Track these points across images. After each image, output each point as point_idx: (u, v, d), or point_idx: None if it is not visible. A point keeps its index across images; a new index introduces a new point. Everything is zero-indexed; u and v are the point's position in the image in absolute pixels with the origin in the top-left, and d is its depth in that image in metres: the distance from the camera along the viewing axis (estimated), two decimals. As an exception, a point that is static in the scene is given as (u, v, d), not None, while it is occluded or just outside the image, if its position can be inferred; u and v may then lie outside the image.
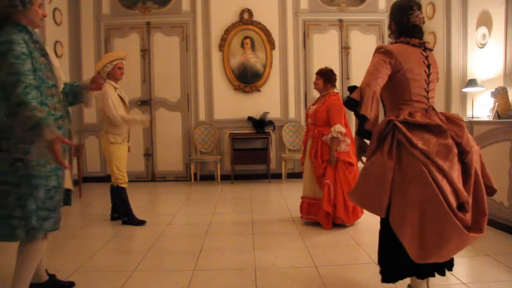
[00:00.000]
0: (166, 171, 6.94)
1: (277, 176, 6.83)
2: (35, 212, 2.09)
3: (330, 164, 3.92)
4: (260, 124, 6.72)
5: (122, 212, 4.22)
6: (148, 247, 3.47)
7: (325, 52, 6.85)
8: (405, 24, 2.21)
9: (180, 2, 6.85)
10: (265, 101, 6.88)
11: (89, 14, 6.84)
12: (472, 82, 4.92)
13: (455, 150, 2.03)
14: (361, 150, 2.28)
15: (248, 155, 6.69)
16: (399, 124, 2.05)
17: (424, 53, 2.21)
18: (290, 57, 6.91)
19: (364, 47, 6.81)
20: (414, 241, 1.93)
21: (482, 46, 5.00)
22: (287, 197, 5.45)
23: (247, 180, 6.82)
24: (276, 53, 6.90)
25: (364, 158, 2.29)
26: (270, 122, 6.75)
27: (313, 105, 4.22)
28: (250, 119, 6.78)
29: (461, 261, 3.04)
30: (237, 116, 6.88)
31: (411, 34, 2.21)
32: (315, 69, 4.40)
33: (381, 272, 2.22)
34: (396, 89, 2.17)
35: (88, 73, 6.87)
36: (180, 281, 2.73)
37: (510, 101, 4.30)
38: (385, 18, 6.93)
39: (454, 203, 1.92)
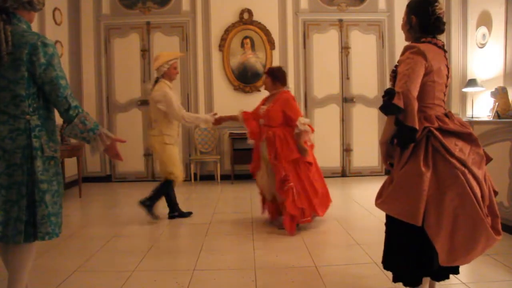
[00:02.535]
0: (166, 171, 6.93)
1: (277, 176, 6.82)
2: (49, 216, 2.08)
3: (304, 156, 3.77)
4: (260, 124, 6.71)
5: (170, 207, 4.37)
6: (148, 247, 3.47)
7: (325, 52, 6.84)
8: (430, 16, 2.12)
9: (180, 2, 6.85)
10: (265, 101, 6.87)
11: (89, 14, 6.83)
12: (472, 82, 4.93)
13: (485, 158, 2.06)
14: (388, 155, 2.19)
15: (248, 155, 6.62)
16: (435, 132, 2.01)
17: (445, 56, 2.17)
18: (290, 57, 6.90)
19: (364, 47, 6.82)
20: (444, 246, 1.95)
21: (482, 46, 5.00)
22: (287, 197, 5.44)
23: (247, 180, 6.81)
24: (276, 53, 6.90)
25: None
26: (270, 122, 6.74)
27: (263, 105, 4.12)
28: (250, 119, 6.77)
29: (461, 261, 3.05)
30: (237, 116, 6.87)
31: (435, 26, 2.14)
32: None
33: (397, 279, 2.19)
34: (421, 92, 2.06)
35: (88, 73, 6.88)
36: (180, 281, 2.73)
37: (510, 101, 4.31)
38: (385, 18, 6.94)
39: (485, 209, 1.96)
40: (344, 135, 6.94)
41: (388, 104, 1.99)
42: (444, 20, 2.17)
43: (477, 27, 5.09)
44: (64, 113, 2.08)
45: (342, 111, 6.90)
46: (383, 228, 2.27)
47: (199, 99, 6.94)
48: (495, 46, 4.74)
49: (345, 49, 6.90)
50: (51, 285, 2.69)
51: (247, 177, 6.87)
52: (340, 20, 6.91)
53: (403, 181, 2.04)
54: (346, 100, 6.82)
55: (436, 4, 2.13)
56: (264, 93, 6.87)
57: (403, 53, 2.14)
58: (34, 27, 2.33)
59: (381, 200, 2.16)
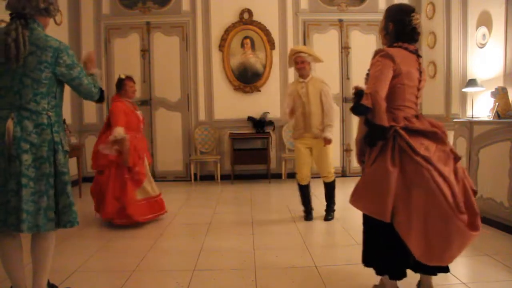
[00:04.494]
0: (166, 171, 6.94)
1: (277, 176, 6.83)
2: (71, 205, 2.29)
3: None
4: (260, 124, 6.72)
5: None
6: (148, 247, 3.47)
7: (325, 52, 6.78)
8: (406, 26, 2.23)
9: (180, 2, 6.85)
10: (265, 101, 6.88)
11: (89, 14, 6.83)
12: (472, 82, 4.92)
13: (452, 156, 2.12)
14: (362, 153, 2.33)
15: (248, 155, 6.69)
16: (401, 131, 2.09)
17: (418, 60, 2.26)
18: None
19: (364, 47, 6.80)
20: (420, 243, 2.00)
21: (482, 46, 5.00)
22: (287, 197, 5.45)
23: (247, 180, 6.82)
24: (276, 53, 6.90)
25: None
26: (270, 122, 6.75)
27: (138, 111, 4.40)
28: (250, 119, 6.78)
29: (461, 261, 3.04)
30: (237, 116, 6.87)
31: (410, 36, 2.25)
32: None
33: (380, 272, 2.26)
34: (391, 94, 2.18)
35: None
36: (180, 281, 2.73)
37: (510, 101, 4.30)
38: (385, 18, 6.93)
39: (454, 205, 1.99)
40: (344, 135, 6.95)
41: (357, 105, 2.11)
42: (419, 30, 2.28)
43: (477, 27, 5.08)
44: (93, 98, 2.42)
45: (342, 111, 6.90)
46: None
47: (199, 99, 6.95)
48: (495, 46, 4.73)
49: (345, 49, 6.90)
50: (51, 285, 2.69)
51: (247, 177, 6.90)
52: (340, 20, 6.91)
53: (371, 179, 2.15)
54: (346, 100, 6.82)
55: (413, 14, 2.23)
56: (264, 93, 6.93)
57: (373, 57, 2.24)
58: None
59: (354, 198, 2.25)
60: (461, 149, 4.63)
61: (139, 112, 4.37)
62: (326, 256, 3.23)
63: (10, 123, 2.11)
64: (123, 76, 4.34)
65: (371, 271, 2.83)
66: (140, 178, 4.14)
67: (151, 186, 4.26)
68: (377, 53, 2.22)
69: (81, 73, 2.30)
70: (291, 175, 6.84)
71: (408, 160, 2.06)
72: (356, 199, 2.24)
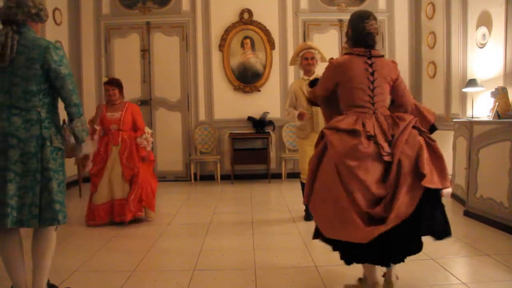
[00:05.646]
0: (166, 171, 6.94)
1: (277, 176, 6.83)
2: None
3: (144, 161, 4.30)
4: (260, 124, 6.72)
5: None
6: (148, 247, 3.47)
7: (325, 52, 6.73)
8: (361, 31, 2.39)
9: (180, 2, 6.85)
10: (265, 101, 6.88)
11: (89, 14, 6.84)
12: (472, 82, 4.92)
13: (369, 151, 2.17)
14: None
15: (248, 155, 6.69)
16: (325, 131, 2.33)
17: (368, 61, 2.36)
18: (290, 57, 6.86)
19: (364, 47, 6.81)
20: (324, 223, 2.27)
21: (482, 46, 5.00)
22: (287, 197, 5.45)
23: (247, 180, 6.82)
24: (276, 53, 6.90)
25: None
26: (270, 122, 6.75)
27: (108, 112, 4.33)
28: (250, 119, 6.78)
29: (461, 261, 3.05)
30: (237, 116, 6.88)
31: (364, 41, 2.39)
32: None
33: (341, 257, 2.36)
34: (342, 96, 2.42)
35: (88, 73, 6.89)
36: (180, 281, 2.73)
37: (510, 101, 4.30)
38: (385, 18, 6.94)
39: (361, 200, 2.10)
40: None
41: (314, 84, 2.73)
42: (377, 37, 2.42)
43: (477, 27, 5.08)
44: (71, 107, 2.34)
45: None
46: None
47: (199, 99, 6.95)
48: (495, 46, 4.73)
49: (345, 49, 6.89)
50: (51, 285, 2.69)
51: (247, 177, 6.90)
52: (340, 20, 6.91)
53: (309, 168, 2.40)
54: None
55: (367, 21, 2.38)
56: (264, 93, 6.93)
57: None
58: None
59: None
60: (461, 149, 4.64)
61: (110, 114, 4.31)
62: (326, 256, 3.22)
63: None
64: (104, 80, 4.42)
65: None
66: (93, 181, 4.31)
67: (110, 189, 4.20)
68: (329, 62, 2.49)
69: (65, 78, 2.27)
70: (291, 175, 6.84)
71: (326, 154, 2.28)
72: (324, 228, 2.32)
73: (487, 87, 4.78)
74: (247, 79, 6.91)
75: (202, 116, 6.96)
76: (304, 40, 6.85)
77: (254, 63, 6.92)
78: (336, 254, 3.29)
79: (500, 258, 3.00)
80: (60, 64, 2.26)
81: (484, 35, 4.94)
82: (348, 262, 2.30)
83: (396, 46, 6.98)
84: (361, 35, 2.39)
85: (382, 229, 2.06)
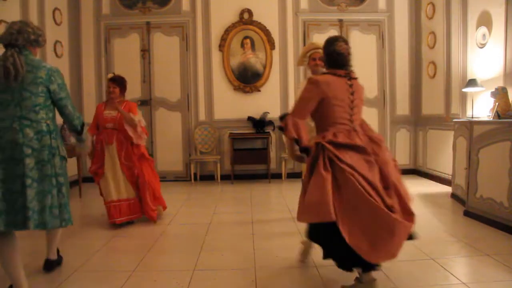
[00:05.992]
0: (166, 171, 6.94)
1: (277, 176, 6.84)
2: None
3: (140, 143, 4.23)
4: (260, 124, 6.72)
5: None
6: (148, 247, 3.47)
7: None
8: (332, 53, 2.57)
9: (180, 2, 6.86)
10: (265, 101, 6.88)
11: (89, 14, 6.84)
12: (472, 82, 4.92)
13: (376, 164, 2.41)
14: (300, 159, 2.75)
15: (248, 155, 6.69)
16: (327, 145, 2.42)
17: (348, 82, 2.55)
18: (290, 57, 6.91)
19: (364, 47, 6.82)
20: (362, 244, 2.23)
21: (482, 46, 5.00)
22: (287, 197, 5.45)
23: (247, 180, 6.83)
24: (276, 53, 6.90)
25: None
26: (270, 122, 6.75)
27: (106, 110, 4.23)
28: (250, 119, 6.78)
29: (461, 261, 3.05)
30: (237, 116, 6.88)
31: (337, 62, 2.57)
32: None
33: (339, 266, 2.48)
34: (323, 113, 2.53)
35: (88, 73, 6.89)
36: (180, 281, 2.73)
37: (510, 101, 4.30)
38: (385, 18, 6.94)
39: (381, 203, 2.26)
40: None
41: (280, 127, 2.67)
42: (346, 56, 2.58)
43: (477, 27, 5.08)
44: (74, 120, 2.71)
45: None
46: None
47: (199, 99, 6.95)
48: (495, 46, 4.73)
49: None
50: (52, 285, 2.69)
51: (247, 177, 6.90)
52: (340, 20, 6.91)
53: (311, 189, 2.39)
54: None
55: (336, 43, 2.57)
56: (264, 93, 6.93)
57: (306, 83, 2.59)
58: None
59: (299, 215, 2.51)
60: (461, 149, 4.64)
61: (107, 112, 4.22)
62: (326, 256, 3.22)
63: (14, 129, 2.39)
64: (109, 76, 4.38)
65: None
66: (96, 180, 4.26)
67: (109, 189, 4.13)
68: (307, 80, 2.59)
69: (67, 98, 2.63)
70: (291, 175, 6.84)
71: (336, 167, 2.36)
72: (300, 214, 2.49)
73: (487, 87, 4.78)
74: (247, 79, 6.92)
75: (202, 116, 6.96)
76: (304, 40, 6.86)
77: (254, 63, 6.92)
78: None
79: (500, 258, 3.00)
80: (62, 87, 2.59)
81: (484, 35, 4.94)
82: (349, 268, 2.44)
83: (396, 46, 6.98)
84: (333, 56, 2.57)
85: (412, 225, 2.30)
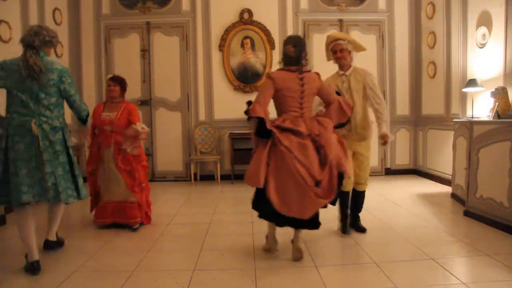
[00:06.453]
0: (166, 171, 6.94)
1: (277, 176, 6.82)
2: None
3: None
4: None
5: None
6: (148, 247, 3.47)
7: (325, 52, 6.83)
8: (284, 53, 3.14)
9: (180, 2, 6.86)
10: (265, 101, 6.87)
11: (89, 14, 6.84)
12: (472, 82, 4.92)
13: (311, 146, 2.95)
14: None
15: (248, 155, 6.65)
16: (273, 129, 2.98)
17: (299, 76, 3.06)
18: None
19: (364, 47, 6.81)
20: (279, 201, 2.88)
21: (482, 46, 5.00)
22: (287, 197, 5.44)
23: (247, 180, 6.81)
24: (276, 53, 6.89)
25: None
26: (270, 122, 6.74)
27: (104, 112, 4.13)
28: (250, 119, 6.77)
29: (461, 261, 3.05)
30: (237, 116, 6.87)
31: (287, 61, 3.11)
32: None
33: (260, 216, 3.14)
34: (278, 102, 3.15)
35: (88, 73, 6.89)
36: (180, 281, 2.73)
37: (510, 101, 4.31)
38: (385, 18, 6.94)
39: (310, 181, 2.86)
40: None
41: (246, 111, 3.22)
42: (297, 58, 3.10)
43: (477, 27, 5.08)
44: (81, 113, 3.25)
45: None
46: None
47: (199, 99, 6.95)
48: (495, 46, 4.74)
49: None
50: (51, 285, 2.69)
51: (247, 177, 6.89)
52: (340, 20, 6.91)
53: (253, 160, 3.10)
54: (346, 100, 6.82)
55: (287, 46, 3.11)
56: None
57: (265, 78, 3.16)
58: (34, 27, 3.25)
59: (245, 178, 3.15)
60: (461, 149, 4.64)
61: (105, 114, 4.13)
62: (326, 256, 3.23)
63: (34, 124, 2.84)
64: (108, 76, 4.33)
65: (371, 271, 2.84)
66: (90, 180, 4.23)
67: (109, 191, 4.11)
68: (266, 75, 3.17)
69: (76, 94, 3.10)
70: (291, 175, 6.83)
71: (277, 149, 2.93)
72: (246, 178, 3.12)
73: (487, 87, 4.79)
74: (247, 79, 6.92)
75: (202, 116, 6.96)
76: (305, 40, 6.85)
77: (254, 63, 6.92)
78: (336, 254, 3.31)
79: (500, 258, 3.00)
80: (72, 85, 3.04)
81: (484, 35, 4.94)
82: (279, 224, 3.09)
83: (396, 46, 6.98)
84: (285, 56, 3.14)
85: (326, 202, 2.95)
